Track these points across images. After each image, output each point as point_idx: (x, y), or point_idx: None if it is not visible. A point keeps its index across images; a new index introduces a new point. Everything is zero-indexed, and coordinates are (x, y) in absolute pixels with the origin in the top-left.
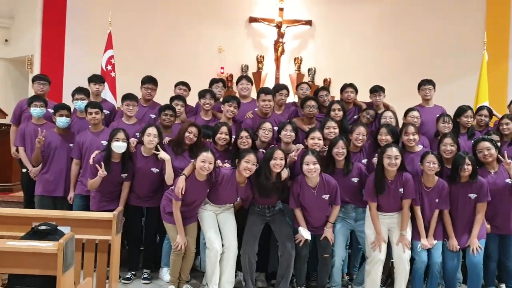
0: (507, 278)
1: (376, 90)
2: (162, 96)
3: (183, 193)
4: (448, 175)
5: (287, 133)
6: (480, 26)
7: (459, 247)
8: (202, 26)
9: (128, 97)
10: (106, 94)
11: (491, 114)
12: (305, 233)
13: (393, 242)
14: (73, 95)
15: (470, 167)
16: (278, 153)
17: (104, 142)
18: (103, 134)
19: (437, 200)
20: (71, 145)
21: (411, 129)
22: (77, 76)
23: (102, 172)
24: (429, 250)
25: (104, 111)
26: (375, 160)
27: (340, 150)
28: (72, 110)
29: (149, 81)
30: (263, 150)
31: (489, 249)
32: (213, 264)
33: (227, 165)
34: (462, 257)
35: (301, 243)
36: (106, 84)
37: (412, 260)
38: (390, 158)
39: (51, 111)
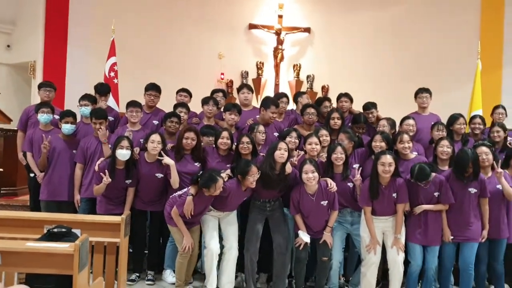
0: (496, 281)
1: (369, 107)
2: (163, 102)
3: (192, 213)
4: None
5: (292, 140)
6: (475, 36)
7: (452, 238)
8: (203, 32)
9: (132, 104)
10: (110, 101)
11: (484, 122)
12: (304, 237)
13: (388, 245)
14: (79, 101)
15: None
16: (282, 145)
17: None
18: (109, 140)
19: (436, 194)
20: (74, 151)
21: (405, 137)
22: (79, 81)
23: (106, 180)
24: (424, 255)
25: (109, 117)
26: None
27: (339, 155)
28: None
29: (153, 88)
30: (263, 154)
31: (480, 253)
32: (210, 264)
33: (228, 171)
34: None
35: (301, 246)
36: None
37: (407, 263)
38: (384, 165)
39: (57, 117)
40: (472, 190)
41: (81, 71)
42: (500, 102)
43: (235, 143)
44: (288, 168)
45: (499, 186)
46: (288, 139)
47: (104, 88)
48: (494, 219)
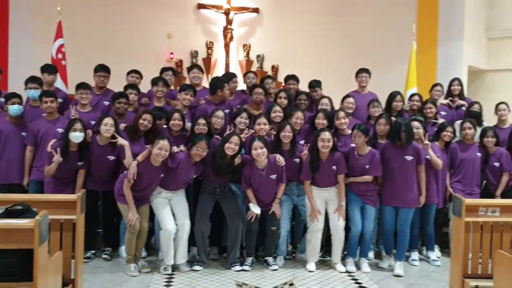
0: (427, 242)
1: (313, 85)
2: (113, 83)
3: (135, 178)
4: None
5: (243, 120)
6: (412, 18)
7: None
8: (152, 12)
9: (81, 86)
10: (58, 82)
11: (421, 100)
12: (255, 209)
13: (330, 213)
14: (25, 83)
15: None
16: (234, 138)
17: (60, 130)
18: (59, 122)
19: (367, 167)
20: (23, 133)
21: (341, 114)
22: (23, 64)
23: (57, 158)
24: (363, 220)
25: (58, 99)
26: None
27: (287, 133)
28: (24, 98)
29: (102, 69)
30: (217, 136)
31: (413, 217)
32: (167, 242)
33: (182, 148)
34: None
35: (252, 218)
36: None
37: (348, 229)
38: (324, 141)
39: (2, 100)
40: (409, 158)
41: (25, 54)
42: (436, 80)
43: (191, 124)
44: (238, 159)
45: (428, 157)
46: (238, 119)
47: (52, 68)
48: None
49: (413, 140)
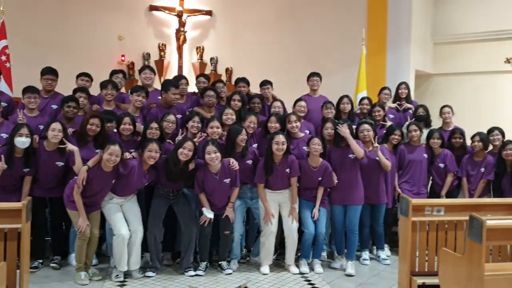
0: (377, 241)
1: (265, 83)
2: (62, 86)
3: (84, 183)
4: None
5: (195, 124)
6: (362, 23)
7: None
8: (101, 14)
9: (29, 89)
10: (1, 85)
11: (371, 102)
12: (208, 214)
13: (284, 216)
14: None
15: (348, 130)
16: (188, 144)
17: (4, 135)
18: (3, 127)
19: (320, 179)
20: None
21: (293, 118)
22: None
23: (1, 165)
24: (315, 223)
25: (2, 103)
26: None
27: (244, 137)
28: None
29: (49, 72)
30: (170, 141)
31: (363, 217)
32: (121, 248)
33: (135, 154)
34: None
35: (206, 223)
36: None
37: (301, 231)
38: (278, 144)
39: None
40: (352, 156)
41: None
42: (385, 83)
43: (143, 128)
44: (192, 164)
45: (377, 158)
46: (190, 123)
47: None
48: (375, 186)
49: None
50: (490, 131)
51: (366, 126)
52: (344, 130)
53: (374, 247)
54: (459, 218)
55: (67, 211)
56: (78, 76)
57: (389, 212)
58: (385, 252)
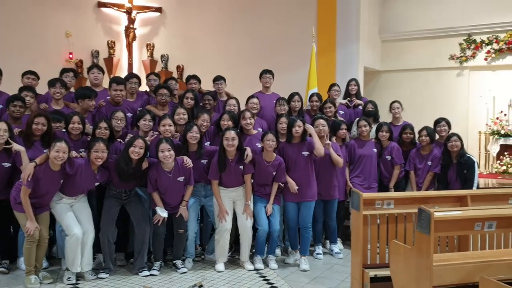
0: (330, 236)
1: (218, 79)
2: (7, 85)
3: (29, 179)
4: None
5: (146, 123)
6: (312, 21)
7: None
8: (46, 10)
9: None
10: None
11: (320, 99)
12: (162, 213)
13: (238, 213)
14: None
15: (301, 128)
16: (139, 142)
17: None
18: None
19: (274, 173)
20: None
21: (247, 114)
22: None
23: None
24: (269, 220)
25: None
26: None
27: (194, 134)
28: None
29: None
30: (121, 140)
31: (316, 213)
32: (74, 249)
33: (83, 154)
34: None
35: (159, 222)
36: None
37: (256, 228)
38: (228, 140)
39: None
40: (305, 153)
41: None
42: (335, 80)
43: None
44: (145, 163)
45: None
46: (142, 122)
47: None
48: (327, 182)
49: (307, 136)
50: (437, 122)
51: (322, 121)
52: (311, 128)
53: (327, 241)
54: (408, 211)
55: (14, 214)
56: (23, 74)
57: (341, 206)
58: (338, 246)
